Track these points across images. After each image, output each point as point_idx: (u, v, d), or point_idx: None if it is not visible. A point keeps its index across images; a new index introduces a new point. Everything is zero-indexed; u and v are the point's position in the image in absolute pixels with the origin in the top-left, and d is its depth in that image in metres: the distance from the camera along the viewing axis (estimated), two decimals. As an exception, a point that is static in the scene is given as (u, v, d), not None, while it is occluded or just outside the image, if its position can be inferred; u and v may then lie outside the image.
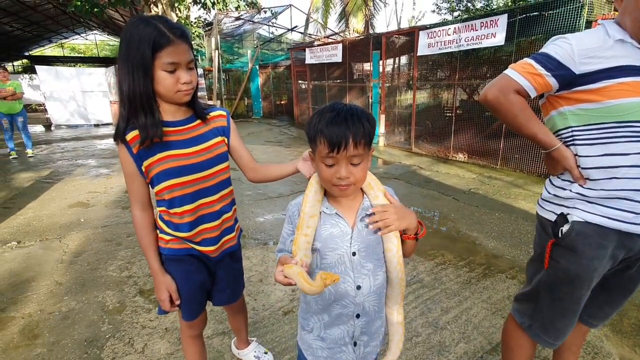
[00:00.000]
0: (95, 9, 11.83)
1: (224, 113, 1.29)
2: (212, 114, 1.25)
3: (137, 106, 1.06)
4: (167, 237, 1.22)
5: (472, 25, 5.48)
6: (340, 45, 8.51)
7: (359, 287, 0.94)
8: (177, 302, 1.27)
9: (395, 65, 8.77)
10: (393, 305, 1.03)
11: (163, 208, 1.20)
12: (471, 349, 1.86)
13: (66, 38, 27.11)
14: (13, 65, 26.13)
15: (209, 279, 1.36)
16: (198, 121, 1.20)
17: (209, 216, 1.24)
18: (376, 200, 0.94)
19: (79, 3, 11.41)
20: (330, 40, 10.55)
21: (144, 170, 1.13)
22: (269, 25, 14.94)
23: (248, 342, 1.80)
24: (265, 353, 1.80)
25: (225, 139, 1.28)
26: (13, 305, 2.30)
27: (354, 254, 0.92)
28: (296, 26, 15.36)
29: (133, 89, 1.04)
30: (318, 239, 0.93)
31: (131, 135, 1.09)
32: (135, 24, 1.03)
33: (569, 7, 4.52)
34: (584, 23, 4.46)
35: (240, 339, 1.77)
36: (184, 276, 1.26)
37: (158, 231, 1.25)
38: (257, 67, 14.03)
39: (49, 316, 2.19)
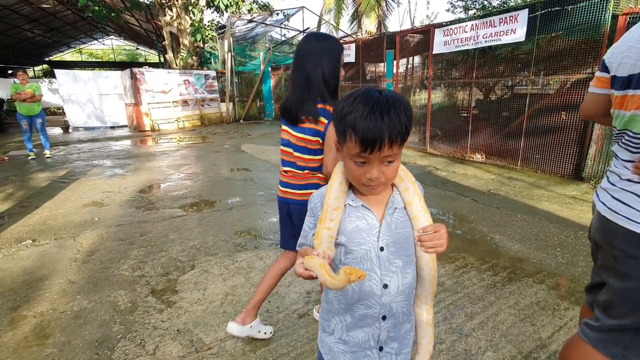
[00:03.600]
0: (112, 14, 12.09)
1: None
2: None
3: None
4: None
5: (490, 21, 5.33)
6: (353, 45, 8.43)
7: (385, 286, 0.85)
8: None
9: (409, 65, 8.64)
10: (423, 305, 0.94)
11: None
12: (500, 358, 1.74)
13: (84, 43, 27.88)
14: (34, 70, 26.98)
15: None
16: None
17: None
18: (407, 192, 0.86)
19: (96, 8, 11.69)
20: (343, 41, 10.47)
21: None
22: (281, 28, 14.98)
23: None
24: None
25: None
26: (26, 304, 2.27)
27: (381, 249, 0.84)
28: (308, 28, 15.35)
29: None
30: (343, 233, 0.85)
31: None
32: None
33: (593, 1, 4.34)
34: (610, 17, 4.27)
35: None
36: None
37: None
38: (269, 69, 14.06)
39: (60, 315, 2.15)
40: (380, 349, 0.90)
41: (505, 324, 1.99)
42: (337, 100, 1.36)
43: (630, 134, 1.04)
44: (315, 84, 1.51)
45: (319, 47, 1.52)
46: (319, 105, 1.51)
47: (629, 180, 1.04)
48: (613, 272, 1.11)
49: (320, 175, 1.62)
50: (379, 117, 0.72)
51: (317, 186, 1.59)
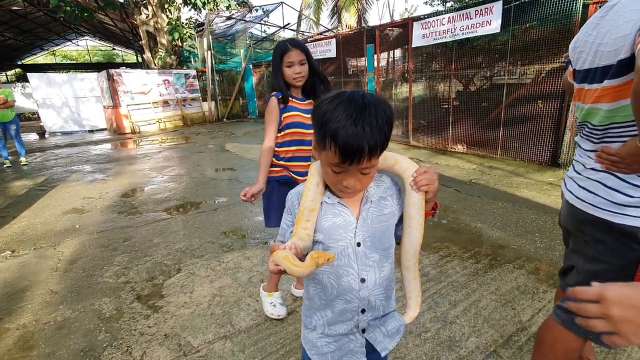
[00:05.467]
0: (85, 14, 11.72)
1: None
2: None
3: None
4: (277, 168, 1.89)
5: (467, 14, 5.41)
6: (333, 40, 8.42)
7: (363, 280, 0.87)
8: (250, 200, 1.79)
9: (390, 59, 8.69)
10: (411, 259, 0.94)
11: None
12: (483, 343, 1.80)
13: (57, 45, 26.94)
14: (6, 75, 25.95)
15: None
16: (311, 100, 1.89)
17: (303, 158, 1.91)
18: (386, 159, 0.87)
19: (68, 8, 11.30)
20: (323, 36, 10.44)
21: (282, 118, 1.81)
22: (261, 24, 14.82)
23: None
24: None
25: None
26: (7, 317, 2.22)
27: (358, 244, 0.86)
28: (288, 24, 15.25)
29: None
30: (320, 230, 0.87)
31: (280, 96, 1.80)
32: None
33: (564, -9, 4.45)
34: (581, 7, 4.38)
35: (300, 279, 2.23)
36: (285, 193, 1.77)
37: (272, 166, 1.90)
38: (251, 66, 13.91)
39: (44, 326, 2.11)
40: (363, 331, 0.93)
41: (488, 309, 2.06)
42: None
43: (590, 125, 1.09)
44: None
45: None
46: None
47: (593, 169, 1.08)
48: (582, 256, 1.16)
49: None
50: (360, 129, 0.70)
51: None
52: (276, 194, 1.90)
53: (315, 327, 0.95)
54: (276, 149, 1.87)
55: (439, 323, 1.96)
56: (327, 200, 0.87)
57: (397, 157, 0.87)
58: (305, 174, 1.81)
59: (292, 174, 1.90)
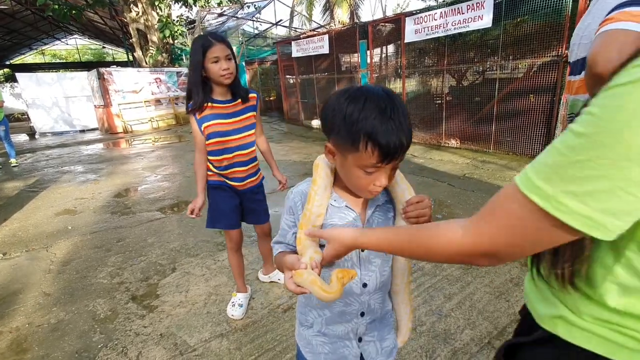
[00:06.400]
0: (74, 12, 11.54)
1: (255, 95, 1.87)
2: (251, 95, 1.84)
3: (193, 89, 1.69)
4: (211, 173, 1.89)
5: (458, 8, 5.41)
6: (326, 37, 8.38)
7: (365, 285, 0.87)
8: (197, 216, 1.84)
9: (383, 55, 8.68)
10: (400, 283, 0.93)
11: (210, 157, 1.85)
12: (477, 335, 1.81)
13: (46, 44, 26.52)
14: (-6, 75, 25.51)
15: (239, 205, 1.98)
16: (239, 100, 1.79)
17: (240, 163, 1.87)
18: (402, 197, 0.83)
19: (56, 7, 11.12)
20: (315, 32, 10.41)
21: (202, 129, 1.75)
22: (253, 21, 14.71)
23: (274, 267, 2.33)
24: None
25: (255, 113, 1.87)
26: (0, 320, 2.19)
27: (362, 250, 0.85)
28: (281, 20, 15.14)
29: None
30: None
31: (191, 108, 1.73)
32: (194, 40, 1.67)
33: (554, -15, 4.47)
34: (571, 1, 4.41)
35: (266, 265, 2.36)
36: (222, 196, 1.92)
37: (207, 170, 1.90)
38: (244, 63, 13.81)
39: (37, 329, 2.09)
40: (360, 339, 0.93)
41: (482, 302, 2.08)
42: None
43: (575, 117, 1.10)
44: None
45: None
46: None
47: None
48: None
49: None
50: (397, 124, 0.66)
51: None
52: (211, 198, 1.94)
53: (312, 324, 0.94)
54: (210, 157, 1.85)
55: (434, 316, 1.98)
56: (333, 202, 0.83)
57: (396, 176, 0.84)
58: (243, 179, 1.90)
59: (228, 181, 1.89)
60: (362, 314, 0.90)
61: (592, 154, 0.38)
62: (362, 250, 0.85)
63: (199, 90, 1.68)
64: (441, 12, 5.66)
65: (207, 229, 2.03)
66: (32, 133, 12.20)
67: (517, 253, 0.48)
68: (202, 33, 12.43)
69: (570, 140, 0.40)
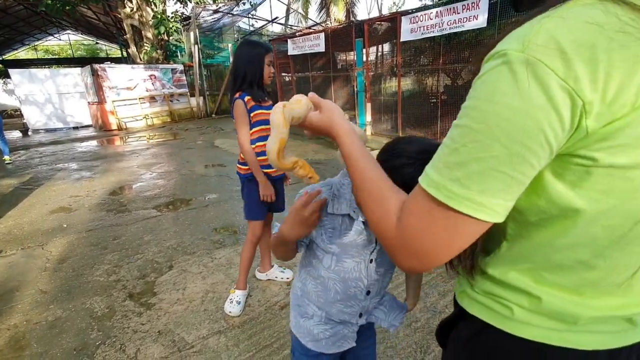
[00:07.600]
0: (67, 7, 11.40)
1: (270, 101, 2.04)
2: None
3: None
4: (246, 167, 2.00)
5: (454, 8, 5.44)
6: (322, 35, 8.38)
7: (368, 293, 0.92)
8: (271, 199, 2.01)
9: (379, 53, 8.70)
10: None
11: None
12: (470, 331, 1.85)
13: (39, 40, 26.16)
14: (-15, 71, 25.12)
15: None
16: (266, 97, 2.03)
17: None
18: None
19: (49, 2, 10.97)
20: (311, 30, 10.40)
21: (250, 117, 1.94)
22: (248, 18, 14.65)
23: (271, 265, 2.42)
24: (283, 270, 2.43)
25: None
26: (-4, 318, 2.20)
27: (371, 261, 0.88)
28: (276, 17, 15.10)
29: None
30: (338, 244, 0.87)
31: (247, 97, 1.91)
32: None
33: (549, -14, 4.51)
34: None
35: (263, 262, 2.41)
36: (257, 189, 2.00)
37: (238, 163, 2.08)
38: (239, 60, 13.73)
39: (35, 326, 2.10)
40: (360, 315, 0.97)
41: (475, 299, 2.12)
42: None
43: None
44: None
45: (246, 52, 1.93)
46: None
47: None
48: None
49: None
50: None
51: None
52: (246, 189, 2.07)
53: (313, 316, 0.98)
54: (252, 146, 1.97)
55: (428, 313, 2.02)
56: (352, 214, 0.84)
57: None
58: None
59: (264, 169, 2.00)
60: (360, 315, 0.97)
61: (465, 140, 0.41)
62: (371, 262, 0.87)
63: (258, 84, 1.93)
64: (437, 12, 5.70)
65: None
66: (25, 130, 12.08)
67: (443, 252, 0.45)
68: (197, 30, 12.37)
69: (452, 132, 0.44)
